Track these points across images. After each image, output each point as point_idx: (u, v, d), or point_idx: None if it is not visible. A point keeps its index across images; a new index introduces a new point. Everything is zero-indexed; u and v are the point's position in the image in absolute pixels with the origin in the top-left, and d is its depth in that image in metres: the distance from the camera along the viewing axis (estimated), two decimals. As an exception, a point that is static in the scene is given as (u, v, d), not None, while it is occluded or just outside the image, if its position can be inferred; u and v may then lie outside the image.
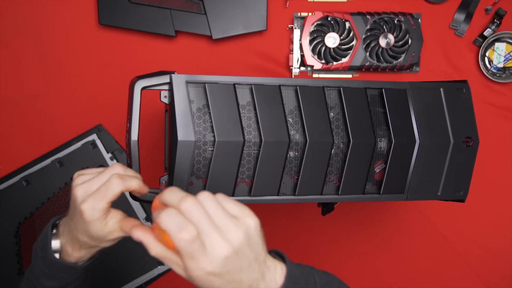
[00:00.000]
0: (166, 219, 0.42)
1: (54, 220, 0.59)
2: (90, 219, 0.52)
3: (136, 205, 0.94)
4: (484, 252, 1.02)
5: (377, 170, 0.72)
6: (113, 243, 0.57)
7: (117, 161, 0.94)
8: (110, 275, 0.93)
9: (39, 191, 0.92)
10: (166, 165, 0.80)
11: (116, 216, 0.54)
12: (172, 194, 0.45)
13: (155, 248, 0.45)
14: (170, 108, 0.65)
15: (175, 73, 0.64)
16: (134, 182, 0.53)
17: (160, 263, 0.94)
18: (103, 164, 0.94)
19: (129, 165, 0.64)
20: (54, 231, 0.58)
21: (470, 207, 1.00)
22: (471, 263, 1.01)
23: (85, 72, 0.95)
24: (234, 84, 0.64)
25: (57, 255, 0.57)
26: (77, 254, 0.57)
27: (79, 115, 0.95)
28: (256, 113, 0.64)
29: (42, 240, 0.58)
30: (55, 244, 0.57)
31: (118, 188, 0.52)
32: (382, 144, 0.72)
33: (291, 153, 0.70)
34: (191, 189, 0.65)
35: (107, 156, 0.94)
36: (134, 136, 0.63)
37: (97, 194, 0.52)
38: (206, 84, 0.63)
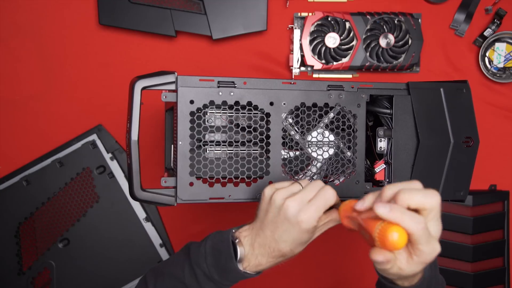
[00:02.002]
0: (404, 216, 0.44)
1: (231, 231, 0.59)
2: (307, 228, 0.55)
3: (136, 205, 0.94)
4: (484, 252, 1.02)
5: (377, 170, 0.72)
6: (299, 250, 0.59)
7: (117, 161, 0.94)
8: (110, 275, 0.93)
9: (39, 191, 0.92)
10: (166, 165, 0.81)
11: (322, 219, 0.58)
12: (390, 190, 0.48)
13: (383, 255, 0.47)
14: (174, 107, 0.65)
15: (175, 73, 0.64)
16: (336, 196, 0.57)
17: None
18: (103, 165, 0.94)
19: (129, 165, 0.63)
20: (237, 240, 0.58)
21: (470, 207, 1.00)
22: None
23: (85, 72, 0.95)
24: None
25: (240, 266, 0.57)
26: (263, 265, 0.58)
27: (79, 115, 0.95)
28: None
29: (219, 249, 0.58)
30: (240, 253, 0.57)
31: (333, 199, 0.56)
32: (383, 144, 0.72)
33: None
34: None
35: (107, 156, 0.94)
36: (134, 136, 0.63)
37: (316, 204, 0.55)
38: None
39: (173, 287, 0.60)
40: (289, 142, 0.69)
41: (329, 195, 0.56)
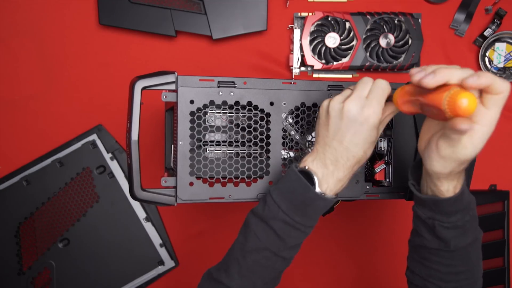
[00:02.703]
0: (492, 76, 0.46)
1: (293, 166, 0.57)
2: (374, 122, 0.54)
3: (136, 205, 0.94)
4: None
5: (377, 170, 0.72)
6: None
7: (117, 161, 0.94)
8: (110, 275, 0.93)
9: (39, 191, 0.92)
10: (166, 165, 0.81)
11: (384, 112, 0.56)
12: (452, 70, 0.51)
13: (466, 122, 0.46)
14: (174, 107, 0.65)
15: (175, 73, 0.64)
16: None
17: (160, 263, 0.94)
18: (103, 164, 0.94)
19: (129, 165, 0.64)
20: (306, 167, 0.56)
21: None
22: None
23: (85, 72, 0.95)
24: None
25: (319, 190, 0.55)
26: (342, 180, 0.56)
27: (79, 115, 0.95)
28: None
29: (290, 188, 0.55)
30: (316, 177, 0.55)
31: (389, 88, 0.55)
32: (383, 144, 0.72)
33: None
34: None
35: (107, 156, 0.94)
36: (134, 136, 0.63)
37: (376, 96, 0.54)
38: None
39: (261, 259, 0.57)
40: (289, 142, 0.69)
41: (384, 85, 0.55)
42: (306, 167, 0.56)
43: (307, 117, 0.69)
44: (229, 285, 0.57)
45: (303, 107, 0.68)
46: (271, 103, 0.67)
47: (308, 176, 0.55)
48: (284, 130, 0.68)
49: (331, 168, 0.55)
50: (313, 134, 0.69)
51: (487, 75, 0.46)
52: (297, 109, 0.68)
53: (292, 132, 0.67)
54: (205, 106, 0.67)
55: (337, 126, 0.55)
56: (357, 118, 0.53)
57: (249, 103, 0.67)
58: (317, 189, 0.55)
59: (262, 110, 0.67)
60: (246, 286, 0.57)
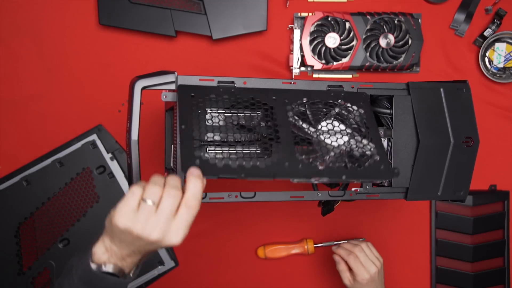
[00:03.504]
0: (354, 260, 0.84)
1: (88, 260, 0.54)
2: (179, 242, 0.51)
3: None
4: (484, 252, 1.02)
5: (377, 170, 0.72)
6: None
7: (117, 161, 0.94)
8: (110, 275, 0.93)
9: (39, 191, 0.92)
10: (166, 165, 0.80)
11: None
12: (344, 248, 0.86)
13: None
14: (174, 107, 0.65)
15: (175, 73, 0.64)
16: (201, 183, 0.53)
17: (160, 263, 0.94)
18: (103, 165, 0.94)
19: (129, 165, 0.63)
20: (103, 267, 0.53)
21: (470, 207, 1.00)
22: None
23: (85, 72, 0.95)
24: None
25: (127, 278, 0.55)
26: (142, 260, 0.56)
27: (79, 115, 0.95)
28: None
29: (89, 279, 0.53)
30: (116, 272, 0.54)
31: (201, 192, 0.52)
32: (383, 144, 0.72)
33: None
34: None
35: (107, 156, 0.94)
36: (134, 136, 0.63)
37: (184, 219, 0.50)
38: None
39: None
40: (300, 138, 0.65)
41: (196, 192, 0.51)
42: (103, 266, 0.53)
43: (314, 110, 0.67)
44: None
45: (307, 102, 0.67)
46: (274, 98, 0.66)
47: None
48: (293, 120, 0.66)
49: (129, 260, 0.54)
50: (322, 123, 0.66)
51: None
52: (303, 105, 0.67)
53: (300, 122, 0.65)
54: (205, 106, 0.67)
55: (137, 245, 0.51)
56: (162, 246, 0.51)
57: (251, 100, 0.66)
58: (120, 278, 0.54)
59: (265, 104, 0.67)
60: None
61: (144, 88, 0.63)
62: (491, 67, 1.01)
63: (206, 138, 0.77)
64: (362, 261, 0.83)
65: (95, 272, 0.53)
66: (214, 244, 0.98)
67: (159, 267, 0.95)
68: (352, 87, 0.70)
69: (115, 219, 0.50)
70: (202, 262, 0.97)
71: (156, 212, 0.50)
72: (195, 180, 0.53)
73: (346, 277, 0.85)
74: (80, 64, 0.95)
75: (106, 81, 0.95)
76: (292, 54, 0.95)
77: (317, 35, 0.94)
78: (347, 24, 0.94)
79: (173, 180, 0.52)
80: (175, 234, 0.50)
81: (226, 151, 0.79)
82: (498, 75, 1.01)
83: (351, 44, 0.94)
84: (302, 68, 0.97)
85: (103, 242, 0.54)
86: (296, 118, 0.66)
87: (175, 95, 0.64)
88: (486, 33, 0.99)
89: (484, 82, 1.02)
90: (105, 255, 0.53)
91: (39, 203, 0.92)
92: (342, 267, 0.86)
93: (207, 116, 0.79)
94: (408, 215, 1.02)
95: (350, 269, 0.85)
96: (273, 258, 0.98)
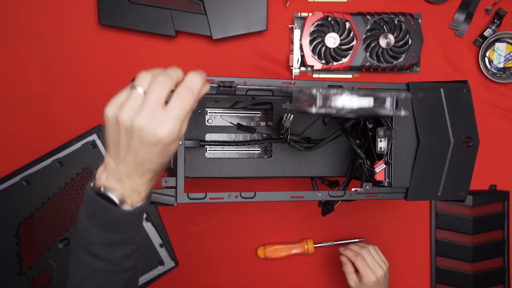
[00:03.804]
0: (361, 262, 0.85)
1: (89, 186, 0.50)
2: (170, 141, 0.47)
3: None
4: (484, 252, 1.01)
5: (377, 170, 0.72)
6: (169, 150, 0.49)
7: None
8: (110, 275, 0.93)
9: (39, 191, 0.92)
10: (167, 165, 0.80)
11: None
12: (352, 249, 0.87)
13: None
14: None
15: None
16: (200, 78, 0.48)
17: (160, 263, 0.94)
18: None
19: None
20: (102, 189, 0.49)
21: (470, 207, 1.00)
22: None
23: (85, 72, 0.95)
24: None
25: (126, 207, 0.50)
26: (143, 191, 0.51)
27: (79, 115, 0.95)
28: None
29: (93, 210, 0.49)
30: (115, 198, 0.49)
31: (199, 85, 0.47)
32: (383, 144, 0.72)
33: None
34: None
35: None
36: (134, 136, 0.63)
37: (175, 112, 0.45)
38: None
39: (101, 281, 0.52)
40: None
41: (191, 84, 0.47)
42: (102, 189, 0.49)
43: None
44: None
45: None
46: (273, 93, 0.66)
47: (106, 195, 0.49)
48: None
49: (128, 183, 0.49)
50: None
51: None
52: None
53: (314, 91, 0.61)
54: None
55: (128, 143, 0.47)
56: (149, 140, 0.46)
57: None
58: (122, 208, 0.49)
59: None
60: None
61: (144, 88, 0.63)
62: (491, 67, 1.01)
63: (206, 138, 0.78)
64: (369, 263, 0.84)
65: (96, 199, 0.49)
66: (214, 244, 0.98)
67: (159, 267, 0.95)
68: (352, 87, 0.70)
69: (105, 110, 0.47)
70: (202, 262, 0.97)
71: (144, 99, 0.46)
72: (195, 74, 0.48)
73: (352, 278, 0.85)
74: (80, 64, 0.95)
75: (106, 81, 0.95)
76: (292, 54, 0.95)
77: (317, 35, 0.94)
78: (347, 24, 0.94)
79: (171, 70, 0.48)
80: (161, 124, 0.45)
81: (227, 151, 0.79)
82: (498, 75, 1.01)
83: (351, 44, 0.94)
84: (302, 68, 0.97)
85: (104, 162, 0.50)
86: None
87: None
88: (486, 33, 0.99)
89: (484, 82, 1.02)
90: (103, 174, 0.50)
91: (39, 203, 0.92)
92: (348, 269, 0.86)
93: (207, 116, 0.79)
94: (408, 215, 1.02)
95: (356, 271, 0.86)
96: (273, 258, 0.98)
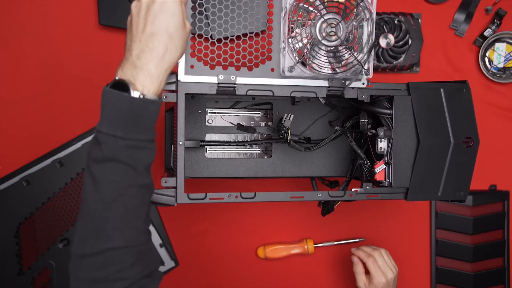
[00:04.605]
0: (373, 263, 0.85)
1: (113, 83, 0.53)
2: (175, 9, 0.53)
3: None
4: (484, 252, 1.01)
5: (377, 170, 0.72)
6: (183, 47, 0.55)
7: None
8: (110, 275, 0.93)
9: (39, 191, 0.92)
10: (166, 165, 0.81)
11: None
12: (364, 250, 0.88)
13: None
14: (174, 107, 0.65)
15: (175, 73, 0.64)
16: None
17: (160, 263, 0.94)
18: (103, 164, 0.94)
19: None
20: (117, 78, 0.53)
21: (470, 207, 1.00)
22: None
23: (85, 72, 0.95)
24: None
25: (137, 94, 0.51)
26: (152, 79, 0.53)
27: (79, 115, 0.95)
28: None
29: (113, 108, 0.51)
30: (129, 83, 0.52)
31: None
32: (383, 144, 0.72)
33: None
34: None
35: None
36: (134, 136, 0.63)
37: None
38: None
39: (130, 200, 0.52)
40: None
41: None
42: (117, 78, 0.52)
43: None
44: (113, 246, 0.51)
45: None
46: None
47: (122, 86, 0.51)
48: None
49: (139, 63, 0.52)
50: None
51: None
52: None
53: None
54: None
55: (140, 16, 0.53)
56: (156, 5, 0.52)
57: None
58: (133, 94, 0.51)
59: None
60: (129, 235, 0.52)
61: (144, 88, 0.63)
62: (491, 67, 1.01)
63: (206, 138, 0.77)
64: (380, 264, 0.84)
65: (113, 92, 0.51)
66: (214, 244, 0.98)
67: (159, 267, 0.95)
68: (353, 88, 0.70)
69: None
70: (202, 262, 0.97)
71: None
72: None
73: (361, 279, 0.86)
74: (80, 64, 0.95)
75: (106, 81, 0.95)
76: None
77: (317, 35, 0.94)
78: (347, 24, 0.94)
79: None
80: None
81: (227, 151, 0.79)
82: (498, 75, 1.01)
83: (351, 44, 0.94)
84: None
85: (122, 60, 0.55)
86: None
87: (175, 96, 0.64)
88: (486, 33, 0.99)
89: (484, 82, 1.02)
90: (119, 69, 0.54)
91: (39, 203, 0.92)
92: (359, 269, 0.86)
93: (207, 116, 0.79)
94: (408, 215, 1.02)
95: (366, 272, 0.86)
96: (273, 258, 0.98)
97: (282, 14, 0.66)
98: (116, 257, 0.51)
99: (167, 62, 0.54)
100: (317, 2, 0.66)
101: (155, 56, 0.53)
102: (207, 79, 0.65)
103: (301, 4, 0.65)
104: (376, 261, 0.85)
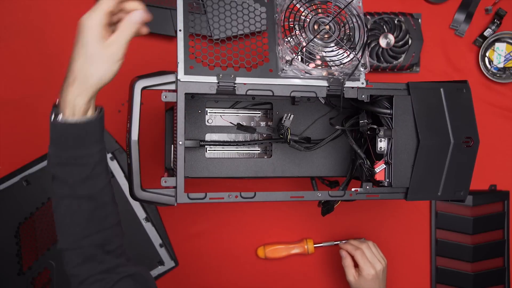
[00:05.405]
0: (361, 255, 0.86)
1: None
2: (88, 35, 0.55)
3: (136, 205, 0.94)
4: (484, 252, 1.01)
5: (377, 170, 0.72)
6: (109, 70, 0.58)
7: (117, 161, 0.94)
8: (110, 275, 0.93)
9: (39, 191, 0.92)
10: (166, 165, 0.81)
11: (119, 40, 0.56)
12: (352, 244, 0.89)
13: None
14: (174, 107, 0.65)
15: (175, 73, 0.64)
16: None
17: (160, 263, 0.94)
18: (103, 164, 0.94)
19: (129, 165, 0.64)
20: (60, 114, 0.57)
21: (470, 207, 1.00)
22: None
23: (85, 72, 0.95)
24: None
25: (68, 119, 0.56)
26: (75, 107, 0.56)
27: (79, 115, 0.94)
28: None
29: (58, 132, 0.56)
30: (55, 109, 0.57)
31: None
32: (383, 144, 0.72)
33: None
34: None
35: (107, 156, 0.94)
36: (134, 136, 0.63)
37: (93, 8, 0.56)
38: None
39: (65, 209, 0.58)
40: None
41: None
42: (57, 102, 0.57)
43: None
44: (60, 247, 0.60)
45: None
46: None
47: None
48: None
49: (66, 94, 0.56)
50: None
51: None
52: None
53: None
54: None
55: (76, 42, 0.56)
56: (78, 27, 0.55)
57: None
58: (59, 118, 0.55)
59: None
60: (71, 240, 0.59)
61: (144, 88, 0.64)
62: (491, 67, 1.01)
63: (206, 138, 0.77)
64: (369, 257, 0.85)
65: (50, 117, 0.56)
66: (214, 244, 0.98)
67: (159, 267, 0.95)
68: (352, 87, 0.70)
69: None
70: (202, 262, 0.97)
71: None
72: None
73: (351, 273, 0.86)
74: (80, 64, 0.95)
75: (106, 81, 0.95)
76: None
77: (317, 35, 0.94)
78: (347, 24, 0.94)
79: None
80: (90, 13, 0.56)
81: (227, 151, 0.79)
82: (498, 75, 1.01)
83: (351, 44, 0.94)
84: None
85: None
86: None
87: (175, 95, 0.64)
88: (486, 33, 0.99)
89: (484, 82, 1.02)
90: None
91: (39, 203, 0.92)
92: (348, 263, 0.87)
93: (207, 116, 0.79)
94: (408, 215, 1.02)
95: (355, 266, 0.86)
96: (273, 258, 0.98)
97: (277, 16, 0.66)
98: (66, 257, 0.60)
99: (97, 88, 0.58)
100: (310, 4, 0.67)
101: (70, 80, 0.57)
102: (207, 79, 0.65)
103: (295, 5, 0.66)
104: (364, 254, 0.85)
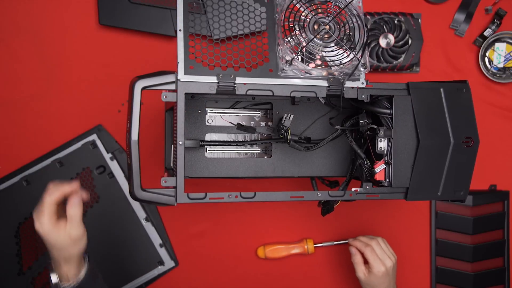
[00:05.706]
0: (371, 252, 0.85)
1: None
2: (43, 233, 0.66)
3: (136, 205, 0.94)
4: (484, 252, 1.01)
5: (377, 170, 0.72)
6: (81, 245, 0.68)
7: (117, 161, 0.94)
8: (110, 275, 0.93)
9: (39, 191, 0.91)
10: (166, 165, 0.81)
11: (73, 225, 0.67)
12: (361, 240, 0.88)
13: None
14: (174, 107, 0.65)
15: (175, 73, 0.64)
16: (65, 188, 0.68)
17: (160, 263, 0.94)
18: (103, 165, 0.94)
19: (129, 165, 0.64)
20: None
21: (470, 207, 1.00)
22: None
23: (85, 72, 0.95)
24: None
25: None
26: (73, 270, 0.68)
27: (79, 115, 0.95)
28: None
29: None
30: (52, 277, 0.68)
31: (47, 200, 0.67)
32: (383, 144, 0.72)
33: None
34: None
35: (107, 156, 0.94)
36: (134, 136, 0.63)
37: (36, 213, 0.68)
38: None
39: None
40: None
41: (43, 199, 0.67)
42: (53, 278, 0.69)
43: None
44: None
45: None
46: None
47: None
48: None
49: (61, 267, 0.68)
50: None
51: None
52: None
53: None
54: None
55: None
56: (39, 234, 0.66)
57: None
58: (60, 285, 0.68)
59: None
60: None
61: (144, 88, 0.64)
62: (491, 67, 1.01)
63: (206, 138, 0.77)
64: (379, 253, 0.84)
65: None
66: (214, 244, 0.98)
67: (159, 267, 0.95)
68: (352, 87, 0.70)
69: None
70: (202, 262, 0.97)
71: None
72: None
73: (361, 270, 0.85)
74: (80, 64, 0.95)
75: (106, 81, 0.95)
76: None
77: (317, 35, 0.94)
78: (347, 24, 0.94)
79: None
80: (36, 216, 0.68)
81: (227, 151, 0.79)
82: (498, 75, 1.01)
83: (351, 44, 0.94)
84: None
85: None
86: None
87: (175, 95, 0.64)
88: (486, 33, 0.99)
89: (484, 82, 1.02)
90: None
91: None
92: (358, 259, 0.86)
93: (207, 116, 0.79)
94: (408, 215, 1.02)
95: (365, 262, 0.86)
96: (273, 258, 0.98)
97: (277, 16, 0.66)
98: None
99: (56, 257, 0.67)
100: (310, 4, 0.67)
101: (73, 261, 0.68)
102: (207, 79, 0.65)
103: (295, 5, 0.66)
104: (374, 250, 0.84)
